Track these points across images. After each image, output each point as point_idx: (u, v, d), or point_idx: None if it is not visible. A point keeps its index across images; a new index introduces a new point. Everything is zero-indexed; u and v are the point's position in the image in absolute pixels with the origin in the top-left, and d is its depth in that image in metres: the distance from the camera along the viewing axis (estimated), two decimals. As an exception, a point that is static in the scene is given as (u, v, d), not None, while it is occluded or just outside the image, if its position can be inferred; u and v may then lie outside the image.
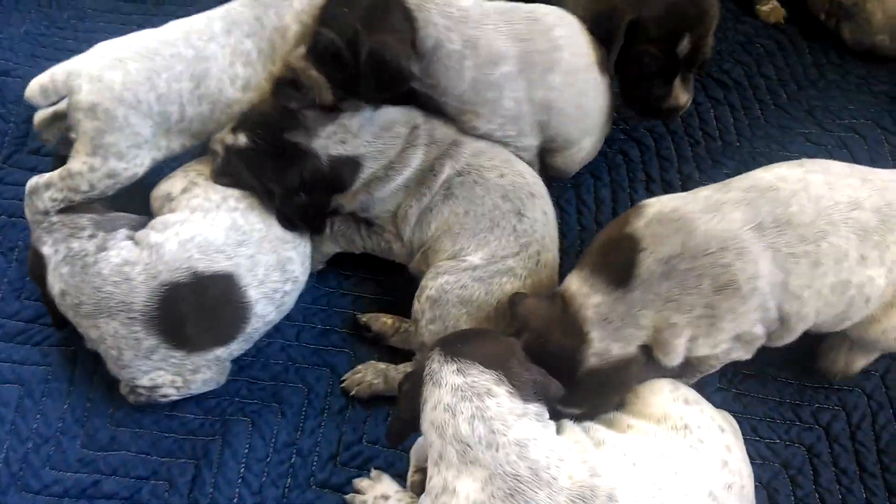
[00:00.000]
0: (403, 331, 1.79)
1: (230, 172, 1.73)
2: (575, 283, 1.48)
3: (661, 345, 1.43)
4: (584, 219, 2.02)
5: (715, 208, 1.45)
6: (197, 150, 1.85)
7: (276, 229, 1.71)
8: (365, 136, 1.71)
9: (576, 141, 1.88)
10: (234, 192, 1.72)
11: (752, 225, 1.42)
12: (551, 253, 1.73)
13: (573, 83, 1.78)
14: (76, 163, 1.69)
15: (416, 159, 1.73)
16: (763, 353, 1.59)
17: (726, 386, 1.75)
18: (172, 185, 1.76)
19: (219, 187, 1.72)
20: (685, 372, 1.54)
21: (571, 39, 1.78)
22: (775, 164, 1.57)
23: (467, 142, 1.76)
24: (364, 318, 1.82)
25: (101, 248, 1.62)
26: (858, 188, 1.49)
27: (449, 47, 1.66)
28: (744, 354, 1.52)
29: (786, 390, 1.76)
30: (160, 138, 1.75)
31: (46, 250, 1.65)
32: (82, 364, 1.78)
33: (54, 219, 1.68)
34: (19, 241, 1.95)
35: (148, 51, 1.71)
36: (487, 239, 1.68)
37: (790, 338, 1.54)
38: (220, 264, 1.62)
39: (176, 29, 1.77)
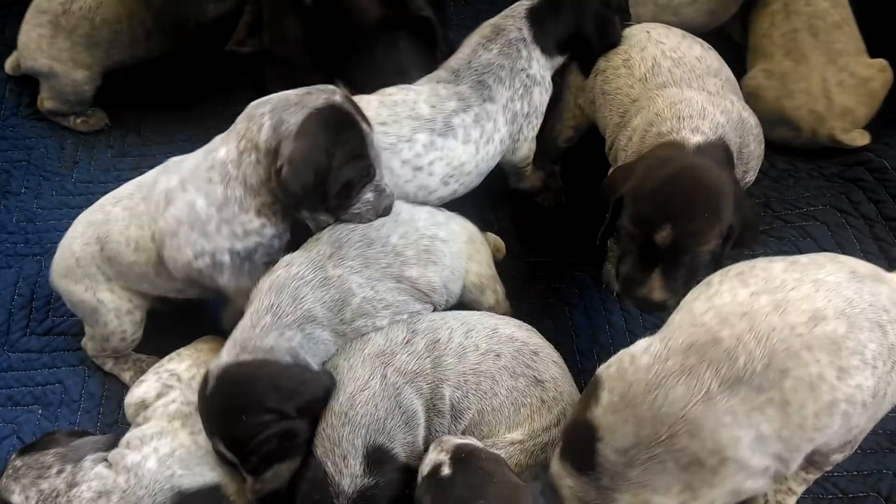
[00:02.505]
0: None
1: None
2: (555, 463, 1.46)
3: None
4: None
5: (657, 385, 1.37)
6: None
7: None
8: None
9: None
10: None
11: (698, 398, 1.34)
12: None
13: None
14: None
15: (413, 404, 1.58)
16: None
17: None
18: (146, 390, 1.71)
19: (196, 387, 1.66)
20: None
21: None
22: (716, 284, 1.46)
23: (445, 351, 1.62)
24: None
25: (72, 484, 1.54)
26: (814, 297, 1.39)
27: None
28: (764, 485, 1.41)
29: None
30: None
31: (16, 499, 1.55)
32: None
33: (18, 463, 1.59)
34: None
35: (81, 218, 1.85)
36: (518, 419, 1.61)
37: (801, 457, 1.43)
38: (204, 476, 1.57)
39: (112, 193, 1.86)
